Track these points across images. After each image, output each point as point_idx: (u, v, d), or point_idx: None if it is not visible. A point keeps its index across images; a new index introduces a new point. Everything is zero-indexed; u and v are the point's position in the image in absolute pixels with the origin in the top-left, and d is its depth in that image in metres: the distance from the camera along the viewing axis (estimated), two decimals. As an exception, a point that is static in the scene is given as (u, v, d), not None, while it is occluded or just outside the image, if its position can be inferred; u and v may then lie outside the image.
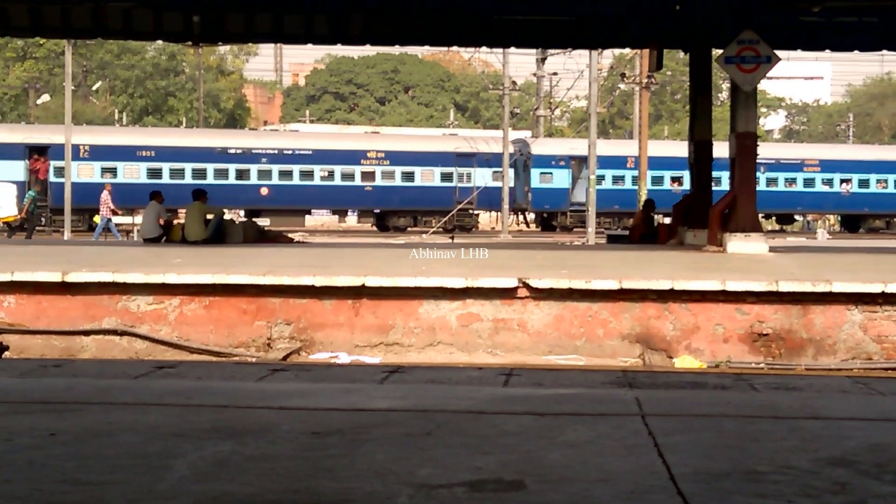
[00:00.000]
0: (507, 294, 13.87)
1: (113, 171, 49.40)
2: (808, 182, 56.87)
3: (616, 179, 53.96)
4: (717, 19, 21.68)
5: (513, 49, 46.33)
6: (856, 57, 46.58)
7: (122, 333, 13.98)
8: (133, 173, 49.77)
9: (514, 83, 55.20)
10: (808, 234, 56.17)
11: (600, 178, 52.39)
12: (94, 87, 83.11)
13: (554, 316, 13.87)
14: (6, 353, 13.55)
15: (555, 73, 63.94)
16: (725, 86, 72.18)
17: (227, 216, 26.13)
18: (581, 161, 50.17)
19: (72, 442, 5.09)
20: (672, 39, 25.15)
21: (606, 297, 13.82)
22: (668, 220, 27.22)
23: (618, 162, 53.59)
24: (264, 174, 51.69)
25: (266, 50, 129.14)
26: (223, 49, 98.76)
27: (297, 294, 13.99)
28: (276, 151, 52.35)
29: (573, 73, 68.88)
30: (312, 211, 55.79)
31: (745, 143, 20.51)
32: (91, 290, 14.05)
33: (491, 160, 52.26)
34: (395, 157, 52.87)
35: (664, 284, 13.77)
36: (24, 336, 13.95)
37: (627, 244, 26.29)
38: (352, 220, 60.68)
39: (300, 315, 14.02)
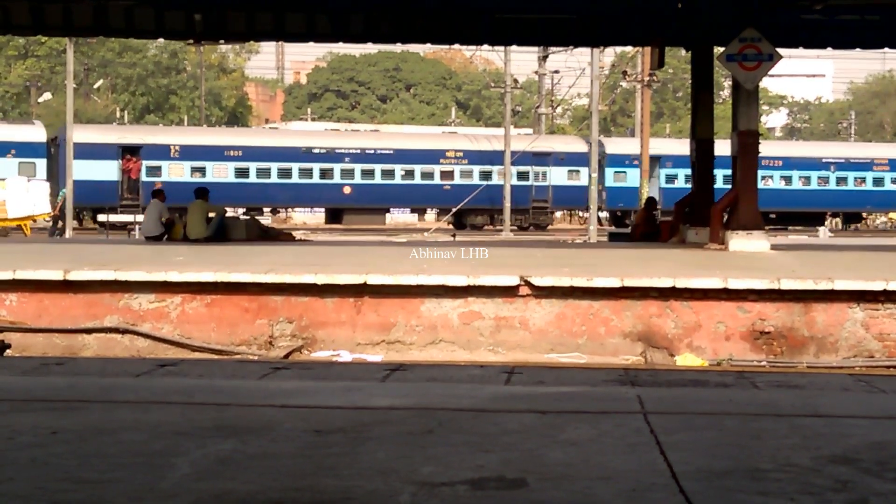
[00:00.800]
0: (508, 292, 13.87)
1: (202, 171, 50.38)
2: (878, 181, 57.38)
3: (688, 178, 54.37)
4: (718, 17, 21.67)
5: (514, 47, 46.24)
6: (857, 55, 46.68)
7: (124, 332, 13.99)
8: (221, 173, 50.62)
9: (515, 81, 55.18)
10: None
11: (673, 178, 53.35)
12: (95, 86, 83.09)
13: (556, 314, 13.87)
14: (8, 352, 13.56)
15: (556, 71, 63.96)
16: (727, 84, 72.16)
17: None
18: (655, 160, 51.26)
19: (74, 440, 5.09)
20: (674, 37, 25.13)
21: (608, 295, 13.82)
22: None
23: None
24: (347, 173, 52.68)
25: (268, 48, 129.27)
26: (225, 47, 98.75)
27: (298, 292, 14.00)
28: (358, 151, 53.28)
29: (575, 70, 68.85)
30: (391, 210, 56.56)
31: (747, 141, 20.50)
32: (93, 289, 14.06)
33: (565, 159, 53.18)
34: (473, 157, 53.96)
35: (666, 282, 13.77)
36: (26, 334, 13.96)
37: (629, 242, 26.29)
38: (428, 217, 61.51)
39: (302, 313, 14.02)
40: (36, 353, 13.46)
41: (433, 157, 53.61)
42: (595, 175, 41.20)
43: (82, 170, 45.88)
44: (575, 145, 53.70)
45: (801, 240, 37.61)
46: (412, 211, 59.26)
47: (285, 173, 51.39)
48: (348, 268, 14.75)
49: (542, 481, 4.39)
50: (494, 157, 52.66)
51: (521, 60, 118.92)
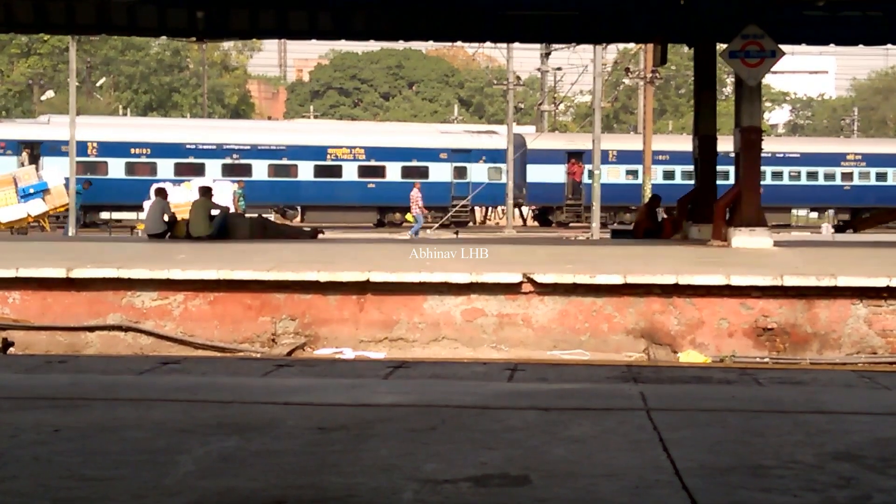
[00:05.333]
0: (511, 289, 13.87)
1: (634, 174, 52.47)
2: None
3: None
4: (721, 14, 21.66)
5: (517, 44, 46.15)
6: (860, 51, 46.65)
7: (127, 329, 14.00)
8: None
9: (518, 78, 55.10)
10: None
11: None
12: (98, 83, 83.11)
13: (558, 311, 13.87)
14: (11, 349, 13.58)
15: (559, 68, 63.84)
16: (730, 80, 72.09)
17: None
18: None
19: (77, 438, 5.09)
20: (676, 34, 25.12)
21: (611, 292, 13.82)
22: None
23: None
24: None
25: (270, 45, 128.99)
26: (227, 45, 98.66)
27: (301, 290, 14.00)
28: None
29: (577, 67, 68.86)
30: (792, 210, 57.92)
31: (750, 137, 20.50)
32: (96, 287, 14.07)
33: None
34: (871, 160, 55.93)
35: (669, 279, 13.76)
36: (30, 332, 13.97)
37: (632, 239, 26.29)
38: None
39: (305, 311, 14.03)
40: (39, 351, 13.47)
41: (835, 160, 55.79)
42: (598, 172, 41.18)
43: (536, 173, 50.68)
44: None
45: (804, 236, 37.56)
46: (811, 210, 60.33)
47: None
48: (351, 265, 14.75)
49: (546, 478, 4.39)
50: (889, 160, 54.98)
51: (524, 57, 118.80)
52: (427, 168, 50.40)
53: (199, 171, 48.76)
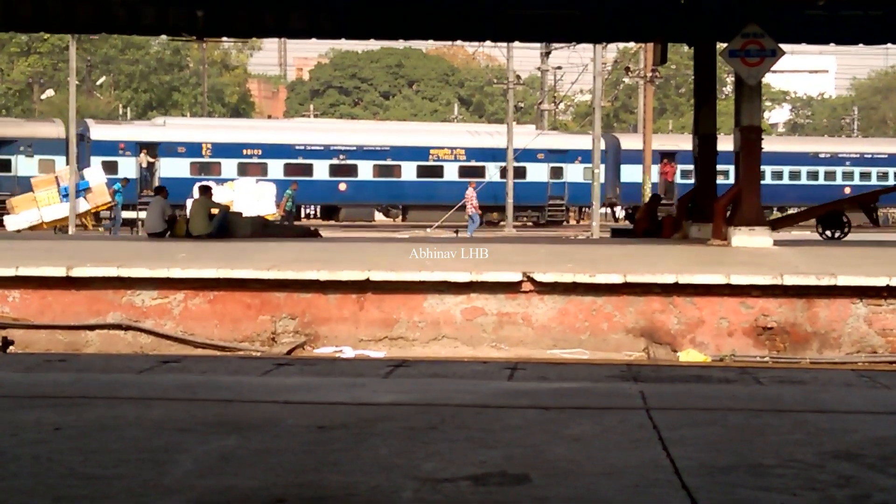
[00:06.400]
0: (511, 288, 13.87)
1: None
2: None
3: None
4: (721, 13, 21.66)
5: (517, 43, 46.17)
6: (860, 50, 46.76)
7: (127, 328, 14.00)
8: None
9: (518, 77, 55.14)
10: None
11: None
12: (98, 82, 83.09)
13: (558, 310, 13.87)
14: (11, 348, 13.58)
15: (559, 68, 63.84)
16: (730, 79, 72.07)
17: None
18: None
19: (77, 436, 5.10)
20: (676, 33, 25.12)
21: (611, 291, 13.83)
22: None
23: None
24: (847, 175, 56.59)
25: (270, 44, 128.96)
26: (227, 44, 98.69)
27: (301, 288, 14.00)
28: (857, 155, 57.67)
29: (577, 67, 68.77)
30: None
31: (750, 136, 20.50)
32: (96, 285, 14.07)
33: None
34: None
35: (668, 278, 13.76)
36: (29, 331, 13.97)
37: (632, 238, 26.29)
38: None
39: (305, 309, 14.03)
40: (39, 350, 13.48)
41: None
42: (598, 171, 41.23)
43: (630, 173, 51.27)
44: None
45: (804, 235, 37.57)
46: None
47: (795, 175, 56.20)
48: (351, 264, 14.75)
49: (545, 477, 4.39)
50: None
51: (524, 57, 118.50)
52: (524, 168, 50.84)
53: (307, 171, 50.58)
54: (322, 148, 51.52)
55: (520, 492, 4.22)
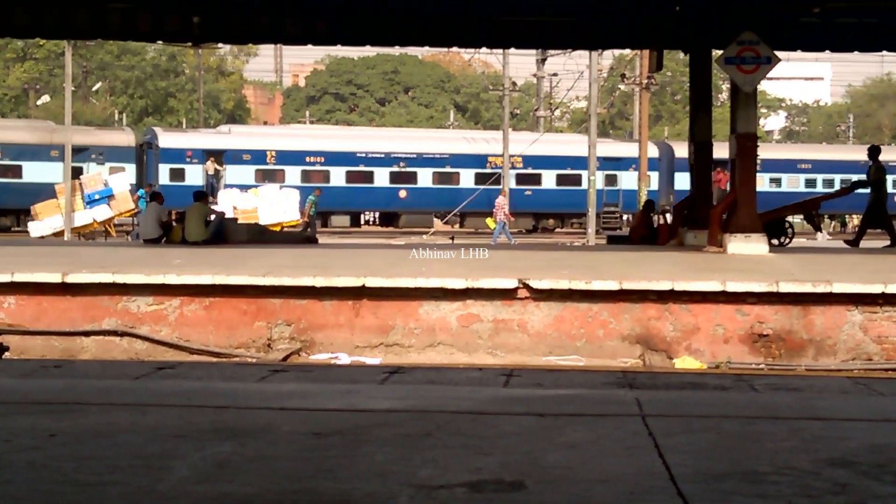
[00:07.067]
0: (507, 295, 13.87)
1: (778, 182, 55.03)
2: None
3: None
4: (717, 20, 21.68)
5: (513, 50, 46.31)
6: (856, 57, 46.74)
7: (123, 334, 13.99)
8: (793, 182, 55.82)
9: (514, 84, 55.19)
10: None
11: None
12: (94, 88, 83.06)
13: (554, 317, 13.87)
14: (6, 354, 13.55)
15: (555, 74, 63.87)
16: (725, 86, 72.13)
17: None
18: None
19: (72, 443, 5.09)
20: (672, 40, 25.14)
21: (606, 298, 13.83)
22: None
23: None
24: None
25: (266, 51, 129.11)
26: (223, 50, 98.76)
27: (297, 295, 14.00)
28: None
29: (573, 73, 68.80)
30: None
31: (746, 143, 20.50)
32: (91, 291, 14.06)
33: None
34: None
35: (664, 285, 13.77)
36: (25, 337, 13.95)
37: (628, 245, 26.28)
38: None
39: (300, 316, 14.02)
40: (34, 356, 13.46)
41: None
42: (594, 178, 41.29)
43: (683, 181, 52.12)
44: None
45: (800, 243, 37.59)
46: None
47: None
48: (347, 270, 14.75)
49: (541, 484, 4.39)
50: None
51: (520, 63, 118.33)
52: (580, 176, 50.97)
53: (368, 178, 51.51)
54: (383, 155, 52.38)
55: (515, 498, 4.22)
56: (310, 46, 27.17)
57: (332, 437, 5.25)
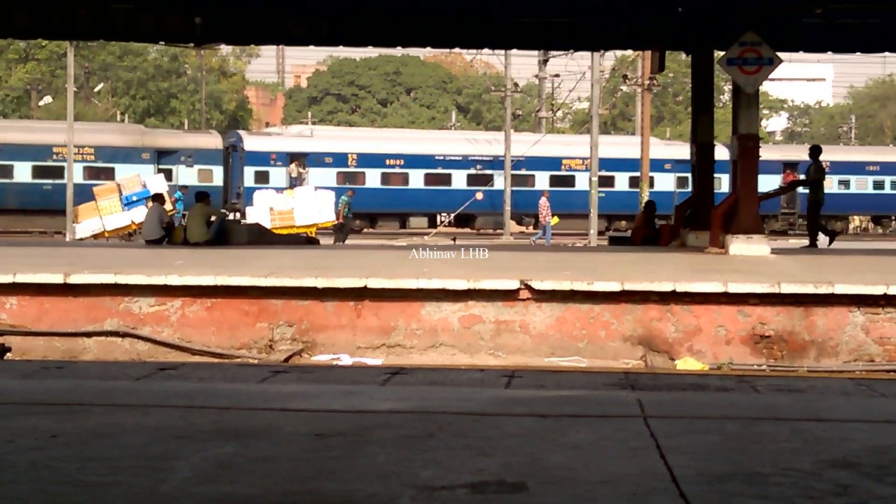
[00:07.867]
0: (509, 296, 13.87)
1: (847, 184, 55.79)
2: None
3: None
4: (719, 21, 21.67)
5: (515, 50, 46.29)
6: (858, 59, 46.98)
7: (125, 335, 13.99)
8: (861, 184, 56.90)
9: (516, 85, 55.19)
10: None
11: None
12: (96, 89, 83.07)
13: (556, 317, 13.87)
14: (8, 355, 13.56)
15: (557, 75, 63.94)
16: (727, 87, 72.13)
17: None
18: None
19: (74, 443, 5.09)
20: (674, 41, 25.14)
21: (608, 299, 13.83)
22: None
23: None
24: None
25: (268, 51, 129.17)
26: (225, 51, 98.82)
27: (299, 296, 14.00)
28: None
29: (575, 74, 68.80)
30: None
31: (748, 144, 20.50)
32: (93, 292, 14.06)
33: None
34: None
35: (666, 286, 13.76)
36: (27, 338, 13.96)
37: (629, 246, 26.28)
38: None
39: (302, 317, 14.02)
40: (36, 357, 13.46)
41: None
42: (594, 179, 41.29)
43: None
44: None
45: (802, 244, 37.57)
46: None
47: None
48: (348, 271, 14.75)
49: (543, 485, 4.39)
50: None
51: (522, 64, 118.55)
52: (653, 178, 51.10)
53: (446, 181, 52.41)
54: (461, 158, 53.03)
55: (517, 500, 4.22)
56: (312, 47, 27.18)
57: (334, 438, 5.25)
